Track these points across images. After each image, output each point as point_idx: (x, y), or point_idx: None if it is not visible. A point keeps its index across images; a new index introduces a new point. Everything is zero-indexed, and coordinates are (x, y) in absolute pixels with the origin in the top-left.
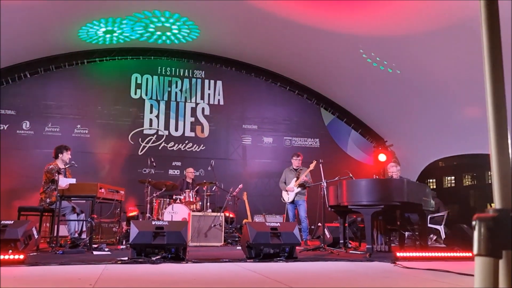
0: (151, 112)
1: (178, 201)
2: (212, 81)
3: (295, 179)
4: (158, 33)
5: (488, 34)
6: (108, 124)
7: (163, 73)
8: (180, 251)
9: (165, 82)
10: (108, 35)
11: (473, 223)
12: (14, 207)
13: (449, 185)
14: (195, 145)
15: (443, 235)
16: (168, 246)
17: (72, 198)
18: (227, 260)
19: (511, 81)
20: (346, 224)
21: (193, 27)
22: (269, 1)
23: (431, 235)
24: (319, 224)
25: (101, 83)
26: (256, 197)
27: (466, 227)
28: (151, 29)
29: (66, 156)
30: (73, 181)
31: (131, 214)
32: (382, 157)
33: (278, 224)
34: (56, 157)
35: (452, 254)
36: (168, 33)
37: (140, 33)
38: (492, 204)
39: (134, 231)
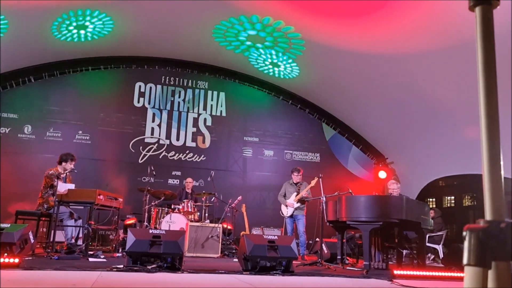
0: (153, 121)
1: (176, 210)
2: (215, 92)
3: (295, 193)
4: None
5: (483, 54)
6: (109, 131)
7: (167, 82)
8: (176, 260)
9: (169, 91)
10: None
11: (464, 233)
12: (12, 210)
13: (448, 205)
14: (196, 155)
15: (441, 255)
16: (164, 255)
17: (70, 204)
18: (223, 271)
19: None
20: (344, 240)
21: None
22: (272, 14)
23: (429, 254)
24: (317, 239)
25: (104, 90)
26: (255, 209)
27: None
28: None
29: (69, 165)
30: (72, 186)
31: (128, 222)
32: (382, 174)
33: (276, 237)
34: (60, 163)
35: (449, 274)
36: None
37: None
38: None
39: (131, 238)
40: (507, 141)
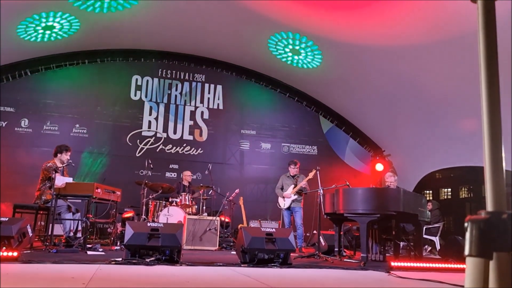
0: (150, 114)
1: (174, 204)
2: (212, 85)
3: (293, 186)
4: None
5: (485, 47)
6: (106, 124)
7: (164, 75)
8: (174, 253)
9: (165, 84)
10: None
11: (465, 224)
12: (10, 204)
13: (445, 197)
14: (193, 148)
15: (438, 246)
16: (162, 248)
17: (68, 197)
18: (221, 264)
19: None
20: (342, 232)
21: None
22: (271, 8)
23: (426, 246)
24: (315, 231)
25: (101, 83)
26: (252, 202)
27: (461, 238)
28: None
29: (65, 156)
30: (70, 180)
31: (126, 215)
32: (379, 167)
33: (274, 229)
34: (56, 155)
35: (446, 266)
36: None
37: None
38: None
39: (129, 232)
40: (508, 134)
